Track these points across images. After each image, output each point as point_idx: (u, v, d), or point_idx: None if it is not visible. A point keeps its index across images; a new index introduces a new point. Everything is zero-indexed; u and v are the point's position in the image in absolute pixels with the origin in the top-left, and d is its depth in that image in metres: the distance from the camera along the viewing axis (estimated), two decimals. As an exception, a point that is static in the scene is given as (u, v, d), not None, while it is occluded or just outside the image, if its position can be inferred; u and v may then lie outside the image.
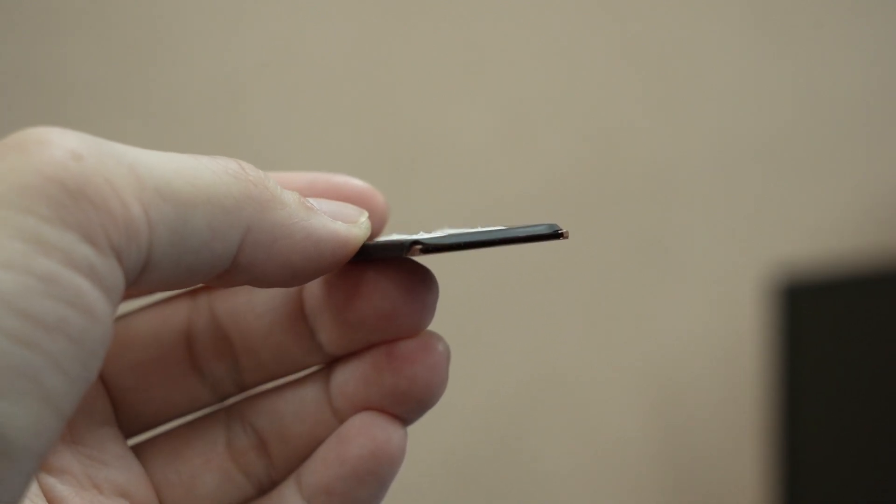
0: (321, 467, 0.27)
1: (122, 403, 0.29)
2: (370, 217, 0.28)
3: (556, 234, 0.25)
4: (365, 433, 0.27)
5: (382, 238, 0.28)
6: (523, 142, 0.97)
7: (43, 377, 0.20)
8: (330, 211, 0.27)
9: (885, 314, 0.89)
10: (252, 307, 0.29)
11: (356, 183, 0.29)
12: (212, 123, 0.90)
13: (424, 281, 0.27)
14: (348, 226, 0.26)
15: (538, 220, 0.96)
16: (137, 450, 0.29)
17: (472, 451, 0.99)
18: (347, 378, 0.28)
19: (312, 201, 0.26)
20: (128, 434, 0.29)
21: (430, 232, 0.30)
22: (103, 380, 0.29)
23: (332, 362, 0.29)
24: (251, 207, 0.24)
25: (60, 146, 0.22)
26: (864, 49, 1.03)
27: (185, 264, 0.24)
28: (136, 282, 0.23)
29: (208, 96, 0.90)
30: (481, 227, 0.26)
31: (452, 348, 0.28)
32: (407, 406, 0.27)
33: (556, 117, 0.98)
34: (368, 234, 0.27)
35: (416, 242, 0.25)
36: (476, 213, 0.95)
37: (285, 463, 0.29)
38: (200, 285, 0.29)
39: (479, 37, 0.96)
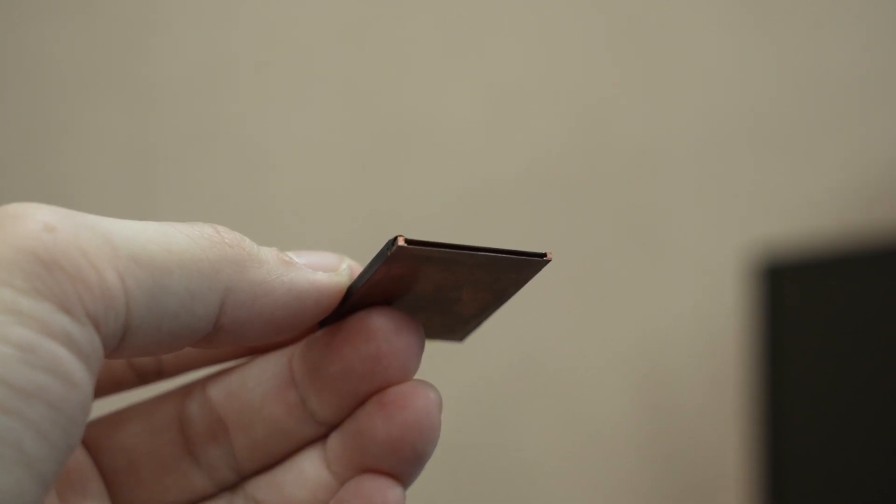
0: None
1: (115, 485, 0.29)
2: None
3: (539, 255, 0.26)
4: (361, 498, 0.27)
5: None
6: (508, 123, 0.97)
7: (23, 443, 0.21)
8: (310, 262, 0.27)
9: (867, 293, 0.89)
10: (244, 382, 0.29)
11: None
12: (200, 109, 0.90)
13: (406, 323, 0.27)
14: (329, 275, 0.27)
15: (521, 206, 0.96)
16: None
17: (454, 437, 0.99)
18: (342, 437, 0.28)
19: (292, 255, 0.27)
20: None
21: None
22: (95, 461, 0.29)
23: (326, 432, 0.29)
24: (229, 269, 0.25)
25: (34, 219, 0.22)
26: (848, 29, 1.04)
27: (167, 329, 0.24)
28: (120, 347, 0.24)
29: (196, 84, 0.90)
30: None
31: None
32: (401, 456, 0.27)
33: (540, 99, 0.98)
34: (350, 280, 0.27)
35: (399, 236, 0.25)
36: (460, 197, 0.95)
37: None
38: (195, 379, 0.30)
39: (462, 18, 0.96)
